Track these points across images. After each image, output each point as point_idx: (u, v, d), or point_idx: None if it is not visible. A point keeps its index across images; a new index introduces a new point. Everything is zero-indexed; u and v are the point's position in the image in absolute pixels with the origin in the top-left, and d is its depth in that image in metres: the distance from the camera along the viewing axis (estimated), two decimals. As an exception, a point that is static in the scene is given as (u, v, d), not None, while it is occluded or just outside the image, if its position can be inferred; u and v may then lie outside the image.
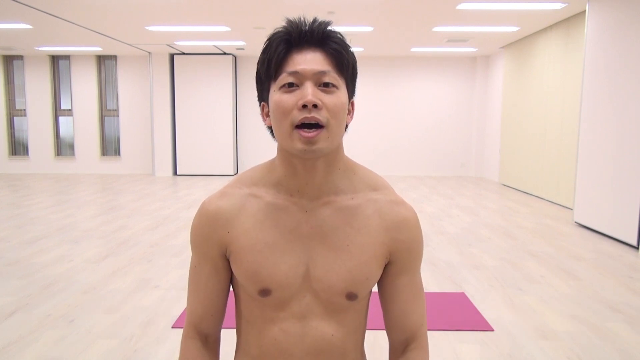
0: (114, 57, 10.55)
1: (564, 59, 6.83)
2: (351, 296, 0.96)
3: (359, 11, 6.36)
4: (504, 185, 9.06)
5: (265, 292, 0.95)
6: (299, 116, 0.87)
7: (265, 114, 0.96)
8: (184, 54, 10.10)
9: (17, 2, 5.90)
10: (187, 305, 1.04)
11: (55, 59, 10.60)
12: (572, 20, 6.61)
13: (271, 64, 0.90)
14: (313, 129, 0.87)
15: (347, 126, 0.96)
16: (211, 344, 1.04)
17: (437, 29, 7.44)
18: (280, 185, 0.97)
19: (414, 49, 9.41)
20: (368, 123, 10.45)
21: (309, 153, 0.88)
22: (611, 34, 4.98)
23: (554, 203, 7.08)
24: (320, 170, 0.94)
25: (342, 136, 0.94)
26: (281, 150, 0.96)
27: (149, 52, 10.04)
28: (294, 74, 0.88)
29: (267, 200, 0.97)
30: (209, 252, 0.99)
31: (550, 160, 7.18)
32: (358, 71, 0.99)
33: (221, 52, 9.96)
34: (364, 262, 0.95)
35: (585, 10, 6.01)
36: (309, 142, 0.87)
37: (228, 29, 7.52)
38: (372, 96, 10.41)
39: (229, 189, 1.00)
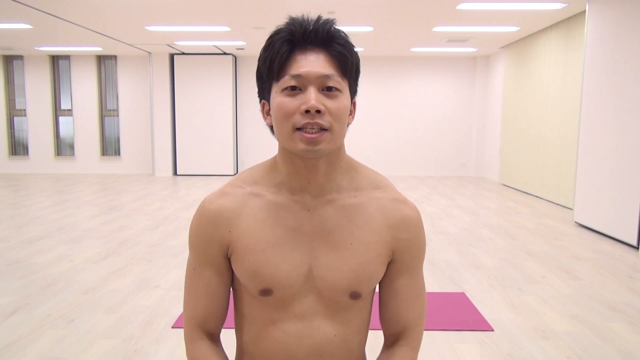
0: (114, 57, 10.55)
1: (564, 59, 6.83)
2: (355, 295, 0.94)
3: (359, 11, 6.36)
4: (504, 185, 9.06)
5: (266, 292, 0.93)
6: (302, 120, 0.86)
7: (266, 112, 0.95)
8: (184, 54, 10.10)
9: (17, 2, 5.90)
10: (187, 308, 1.00)
11: (55, 59, 10.60)
12: (572, 20, 6.61)
13: (274, 65, 0.88)
14: (315, 130, 0.86)
15: (348, 125, 0.95)
16: (216, 341, 1.03)
17: (437, 29, 7.43)
18: (282, 183, 0.96)
19: (414, 49, 9.41)
20: (368, 123, 10.45)
21: (311, 153, 0.88)
22: (611, 34, 4.98)
23: (554, 203, 7.08)
24: (322, 169, 0.93)
25: (344, 137, 0.93)
26: (282, 149, 0.94)
27: (149, 52, 10.04)
28: (297, 77, 0.87)
29: (269, 199, 0.95)
30: (210, 253, 0.96)
31: (550, 160, 7.18)
32: None
33: (221, 52, 9.96)
34: (368, 261, 0.94)
35: (585, 10, 6.01)
36: (312, 142, 0.86)
37: (228, 29, 7.52)
38: (372, 96, 10.41)
39: (229, 188, 0.98)
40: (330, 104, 0.87)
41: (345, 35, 0.91)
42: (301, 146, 0.87)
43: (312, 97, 0.86)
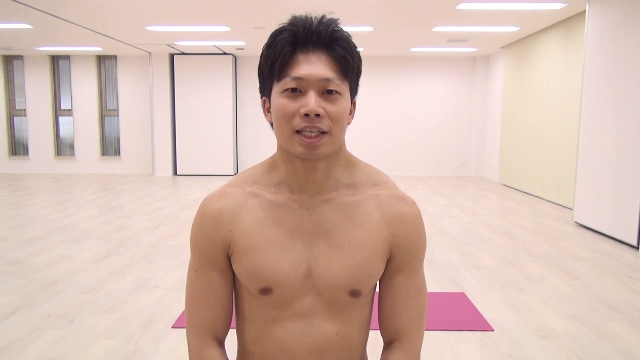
0: (114, 57, 10.55)
1: (564, 59, 6.83)
2: (355, 293, 0.95)
3: (359, 11, 6.36)
4: (504, 185, 9.06)
5: (266, 291, 0.94)
6: (301, 124, 0.87)
7: (267, 109, 0.95)
8: (184, 54, 10.10)
9: (17, 2, 5.90)
10: (194, 313, 0.98)
11: (55, 59, 10.60)
12: (572, 20, 6.61)
13: (275, 65, 0.88)
14: (314, 134, 0.87)
15: (347, 124, 0.95)
16: (224, 349, 1.02)
17: (437, 29, 7.43)
18: (282, 183, 0.96)
19: (414, 49, 9.41)
20: (368, 123, 10.45)
21: (310, 156, 0.89)
22: (611, 34, 4.98)
23: (554, 203, 7.08)
24: (321, 168, 0.94)
25: (343, 138, 0.93)
26: (281, 149, 0.95)
27: (149, 52, 10.04)
28: (298, 79, 0.87)
29: (268, 199, 0.96)
30: (213, 255, 0.96)
31: (550, 160, 7.18)
32: None
33: (221, 52, 9.96)
34: (367, 258, 0.94)
35: (585, 10, 6.01)
36: (311, 146, 0.87)
37: (228, 29, 7.51)
38: (372, 96, 10.41)
39: (229, 188, 0.98)
40: (329, 107, 0.88)
41: (348, 36, 0.91)
42: (300, 149, 0.88)
43: (312, 101, 0.86)
